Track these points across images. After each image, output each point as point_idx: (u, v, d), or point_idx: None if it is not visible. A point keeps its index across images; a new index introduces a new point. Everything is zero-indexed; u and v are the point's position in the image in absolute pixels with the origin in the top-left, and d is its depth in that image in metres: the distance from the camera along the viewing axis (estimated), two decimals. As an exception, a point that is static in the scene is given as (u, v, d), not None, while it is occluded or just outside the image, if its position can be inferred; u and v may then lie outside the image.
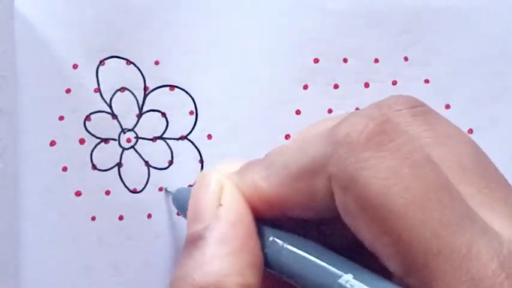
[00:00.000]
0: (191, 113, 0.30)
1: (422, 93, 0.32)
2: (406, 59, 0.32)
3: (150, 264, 0.29)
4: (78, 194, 0.28)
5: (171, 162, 0.30)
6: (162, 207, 0.29)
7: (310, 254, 0.19)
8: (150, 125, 0.30)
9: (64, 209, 0.28)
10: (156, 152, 0.29)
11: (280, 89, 0.31)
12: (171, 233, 0.29)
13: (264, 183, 0.21)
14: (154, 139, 0.30)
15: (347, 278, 0.18)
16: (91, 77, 0.29)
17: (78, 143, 0.28)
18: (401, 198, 0.17)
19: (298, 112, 0.31)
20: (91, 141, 0.29)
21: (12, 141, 0.27)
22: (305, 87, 0.31)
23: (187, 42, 0.30)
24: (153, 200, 0.29)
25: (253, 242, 0.20)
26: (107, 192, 0.28)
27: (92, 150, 0.28)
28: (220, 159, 0.27)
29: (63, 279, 0.28)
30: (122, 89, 0.29)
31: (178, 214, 0.29)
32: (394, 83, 0.32)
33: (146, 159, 0.29)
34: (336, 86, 0.31)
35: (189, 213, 0.21)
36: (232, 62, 0.30)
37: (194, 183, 0.22)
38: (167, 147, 0.30)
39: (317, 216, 0.20)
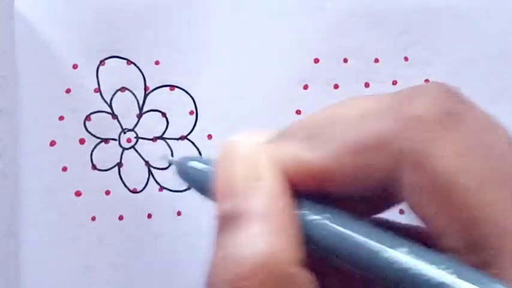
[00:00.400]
0: (191, 113, 0.30)
1: (422, 93, 0.32)
2: (406, 59, 0.32)
3: (150, 264, 0.29)
4: (78, 194, 0.28)
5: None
6: (162, 207, 0.29)
7: (352, 228, 0.19)
8: (150, 125, 0.30)
9: (64, 209, 0.28)
10: (156, 152, 0.29)
11: (280, 89, 0.31)
12: (171, 233, 0.29)
13: (310, 153, 0.19)
14: (154, 139, 0.30)
15: (393, 253, 0.17)
16: (91, 77, 0.29)
17: (78, 143, 0.28)
18: (473, 176, 0.17)
19: (298, 112, 0.31)
20: (91, 141, 0.29)
21: (12, 141, 0.27)
22: (305, 87, 0.31)
23: (187, 42, 0.30)
24: (153, 200, 0.29)
25: (296, 217, 0.19)
26: (107, 192, 0.28)
27: (92, 150, 0.28)
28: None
29: (63, 279, 0.28)
30: (122, 89, 0.29)
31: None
32: (394, 83, 0.32)
33: (146, 159, 0.29)
34: (336, 86, 0.31)
35: (219, 187, 0.19)
36: (232, 62, 0.30)
37: (220, 154, 0.20)
38: (167, 147, 0.30)
39: (364, 193, 0.20)
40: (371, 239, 0.18)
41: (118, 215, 0.29)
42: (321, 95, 0.31)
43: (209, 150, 0.30)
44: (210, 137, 0.30)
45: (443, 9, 0.32)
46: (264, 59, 0.30)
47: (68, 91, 0.28)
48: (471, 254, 0.17)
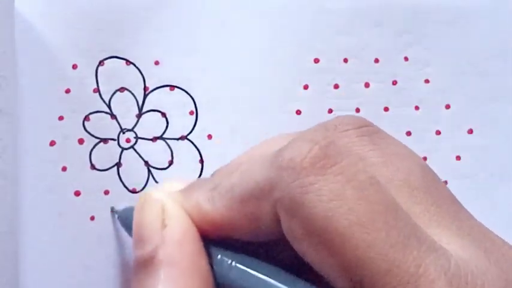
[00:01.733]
0: (191, 113, 0.30)
1: (422, 93, 0.32)
2: (406, 59, 0.32)
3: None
4: (77, 194, 0.28)
5: (171, 163, 0.30)
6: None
7: (259, 272, 0.19)
8: (150, 125, 0.30)
9: (64, 209, 0.28)
10: (156, 152, 0.29)
11: (280, 89, 0.31)
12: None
13: (209, 205, 0.21)
14: (154, 139, 0.30)
15: None
16: (91, 77, 0.29)
17: (78, 143, 0.28)
18: (346, 220, 0.18)
19: (298, 112, 0.31)
20: (90, 141, 0.29)
21: (12, 141, 0.27)
22: (305, 87, 0.31)
23: (187, 42, 0.30)
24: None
25: (204, 260, 0.20)
26: (106, 192, 0.28)
27: (91, 150, 0.28)
28: (220, 159, 0.28)
29: (62, 279, 0.28)
30: (122, 89, 0.29)
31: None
32: (394, 83, 0.32)
33: (146, 159, 0.29)
34: (336, 86, 0.31)
35: (134, 236, 0.21)
36: (232, 62, 0.30)
37: (138, 202, 0.22)
38: (167, 147, 0.30)
39: (263, 239, 0.21)
40: (273, 278, 0.19)
41: (118, 215, 0.29)
42: (321, 95, 0.31)
43: (209, 150, 0.30)
44: (210, 137, 0.30)
45: (443, 9, 0.32)
46: (264, 59, 0.30)
47: (67, 91, 0.28)
48: None
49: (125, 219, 0.25)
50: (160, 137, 0.30)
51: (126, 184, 0.29)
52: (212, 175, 0.22)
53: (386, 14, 0.31)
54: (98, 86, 0.29)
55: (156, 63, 0.30)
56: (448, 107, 0.32)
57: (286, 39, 0.31)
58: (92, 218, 0.28)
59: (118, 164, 0.29)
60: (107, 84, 0.29)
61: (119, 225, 0.28)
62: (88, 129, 0.29)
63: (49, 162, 0.28)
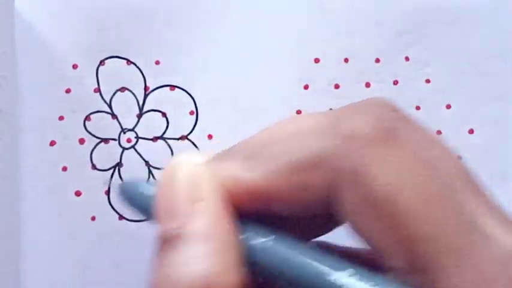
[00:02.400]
0: (191, 113, 0.30)
1: (422, 93, 0.32)
2: (407, 58, 0.32)
3: (150, 264, 0.29)
4: (78, 193, 0.28)
5: (171, 162, 0.30)
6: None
7: (296, 250, 0.19)
8: (150, 125, 0.30)
9: (64, 209, 0.28)
10: (157, 152, 0.29)
11: (280, 89, 0.31)
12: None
13: (249, 174, 0.19)
14: (154, 139, 0.29)
15: (338, 276, 0.17)
16: (91, 77, 0.29)
17: (78, 143, 0.28)
18: (411, 194, 0.17)
19: (298, 112, 0.31)
20: (91, 141, 0.29)
21: (12, 141, 0.27)
22: (305, 87, 0.31)
23: (187, 42, 0.30)
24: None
25: (236, 238, 0.19)
26: (107, 192, 0.28)
27: (92, 150, 0.28)
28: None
29: (62, 279, 0.28)
30: (122, 89, 0.29)
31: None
32: (395, 82, 0.32)
33: (146, 159, 0.29)
34: (336, 86, 0.31)
35: (160, 208, 0.19)
36: (232, 62, 0.30)
37: (162, 175, 0.20)
38: (167, 147, 0.30)
39: (303, 213, 0.20)
40: (314, 261, 0.18)
41: (118, 215, 0.29)
42: (321, 95, 0.31)
43: (209, 150, 0.30)
44: (210, 137, 0.30)
45: (444, 9, 0.32)
46: (264, 59, 0.30)
47: (68, 91, 0.28)
48: (415, 273, 0.17)
49: (127, 193, 0.23)
50: (161, 137, 0.30)
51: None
52: (242, 146, 0.20)
53: (387, 14, 0.31)
54: (98, 85, 0.29)
55: (157, 63, 0.30)
56: (448, 107, 0.32)
57: (286, 39, 0.31)
58: (93, 218, 0.28)
59: (119, 164, 0.29)
60: (107, 84, 0.29)
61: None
62: (89, 129, 0.29)
63: (49, 162, 0.28)
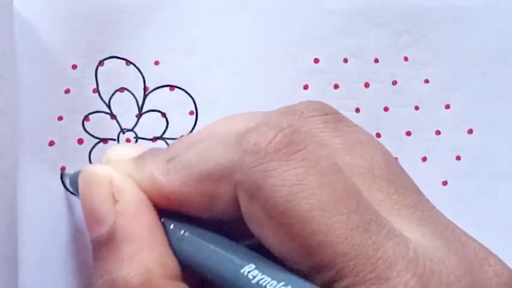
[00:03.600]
0: (191, 113, 0.30)
1: (422, 93, 0.32)
2: (406, 59, 0.32)
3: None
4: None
5: (170, 163, 0.30)
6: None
7: (212, 243, 0.19)
8: (150, 125, 0.30)
9: (63, 209, 0.28)
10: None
11: (280, 89, 0.31)
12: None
13: (164, 178, 0.20)
14: (154, 139, 0.29)
15: (249, 269, 0.18)
16: (90, 77, 0.29)
17: (77, 143, 0.28)
18: (307, 204, 0.18)
19: (298, 112, 0.31)
20: (90, 141, 0.29)
21: (11, 141, 0.27)
22: (305, 87, 0.31)
23: (187, 42, 0.30)
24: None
25: (161, 231, 0.20)
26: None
27: (91, 150, 0.28)
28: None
29: (62, 279, 0.28)
30: (122, 89, 0.29)
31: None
32: (394, 83, 0.32)
33: (146, 159, 0.29)
34: (336, 86, 0.31)
35: (86, 218, 0.20)
36: (232, 62, 0.30)
37: (81, 182, 0.21)
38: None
39: (219, 218, 0.20)
40: (226, 251, 0.19)
41: (117, 215, 0.28)
42: (321, 95, 0.31)
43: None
44: (209, 137, 0.30)
45: (443, 9, 0.32)
46: (264, 59, 0.30)
47: (67, 91, 0.28)
48: (315, 275, 0.18)
49: (75, 184, 0.23)
50: (161, 137, 0.30)
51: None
52: (169, 147, 0.22)
53: (387, 14, 0.31)
54: (97, 86, 0.29)
55: (156, 63, 0.30)
56: (448, 107, 0.32)
57: (286, 39, 0.31)
58: (92, 218, 0.28)
59: (118, 164, 0.29)
60: (106, 84, 0.29)
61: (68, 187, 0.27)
62: (88, 129, 0.29)
63: (48, 162, 0.28)
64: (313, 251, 0.18)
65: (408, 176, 0.22)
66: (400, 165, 0.22)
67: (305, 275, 0.18)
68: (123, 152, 0.22)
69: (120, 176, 0.20)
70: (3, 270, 0.27)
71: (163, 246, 0.19)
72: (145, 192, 0.20)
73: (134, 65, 0.29)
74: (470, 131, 0.32)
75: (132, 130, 0.29)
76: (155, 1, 0.30)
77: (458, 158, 0.32)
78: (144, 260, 0.18)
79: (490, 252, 0.20)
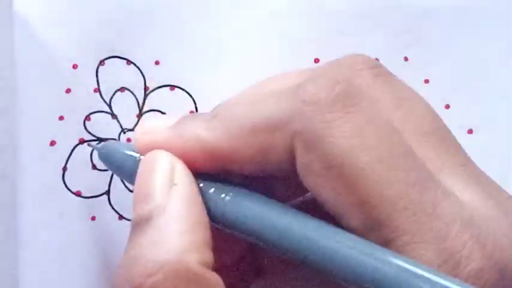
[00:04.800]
0: (191, 112, 0.30)
1: (422, 93, 0.32)
2: (406, 59, 0.32)
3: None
4: (78, 193, 0.28)
5: (171, 162, 0.30)
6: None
7: (256, 205, 0.19)
8: (150, 125, 0.29)
9: (64, 209, 0.28)
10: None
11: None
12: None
13: (209, 134, 0.20)
14: (154, 139, 0.29)
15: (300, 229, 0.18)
16: (91, 77, 0.29)
17: (78, 143, 0.28)
18: (367, 156, 0.18)
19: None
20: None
21: (11, 141, 0.27)
22: (305, 87, 0.31)
23: (187, 42, 0.30)
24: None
25: (207, 219, 0.19)
26: (107, 192, 0.28)
27: (92, 150, 0.28)
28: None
29: (62, 279, 0.28)
30: (122, 89, 0.29)
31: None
32: (394, 83, 0.32)
33: (146, 159, 0.29)
34: (336, 86, 0.31)
35: (137, 193, 0.20)
36: (232, 62, 0.30)
37: (141, 160, 0.21)
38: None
39: (263, 174, 0.20)
40: (274, 212, 0.18)
41: (118, 215, 0.29)
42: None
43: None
44: (210, 137, 0.30)
45: (443, 9, 0.32)
46: (263, 59, 0.30)
47: (67, 91, 0.28)
48: (370, 233, 0.18)
49: (106, 155, 0.23)
50: (161, 137, 0.30)
51: (127, 184, 0.29)
52: (211, 110, 0.21)
53: (387, 14, 0.31)
54: (98, 85, 0.29)
55: (157, 63, 0.30)
56: (447, 107, 0.32)
57: (287, 39, 0.31)
58: (93, 218, 0.28)
59: (119, 164, 0.29)
60: (107, 84, 0.29)
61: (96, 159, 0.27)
62: (89, 129, 0.29)
63: (49, 162, 0.28)
64: (371, 205, 0.17)
65: (453, 135, 0.21)
66: (444, 123, 0.22)
67: (360, 233, 0.18)
68: (160, 122, 0.21)
69: (181, 164, 0.20)
70: (4, 269, 0.27)
71: (204, 234, 0.19)
72: (187, 155, 0.20)
73: (135, 65, 0.29)
74: (470, 131, 0.32)
75: (132, 130, 0.29)
76: (155, 1, 0.30)
77: (458, 158, 0.32)
78: (182, 241, 0.18)
79: None
